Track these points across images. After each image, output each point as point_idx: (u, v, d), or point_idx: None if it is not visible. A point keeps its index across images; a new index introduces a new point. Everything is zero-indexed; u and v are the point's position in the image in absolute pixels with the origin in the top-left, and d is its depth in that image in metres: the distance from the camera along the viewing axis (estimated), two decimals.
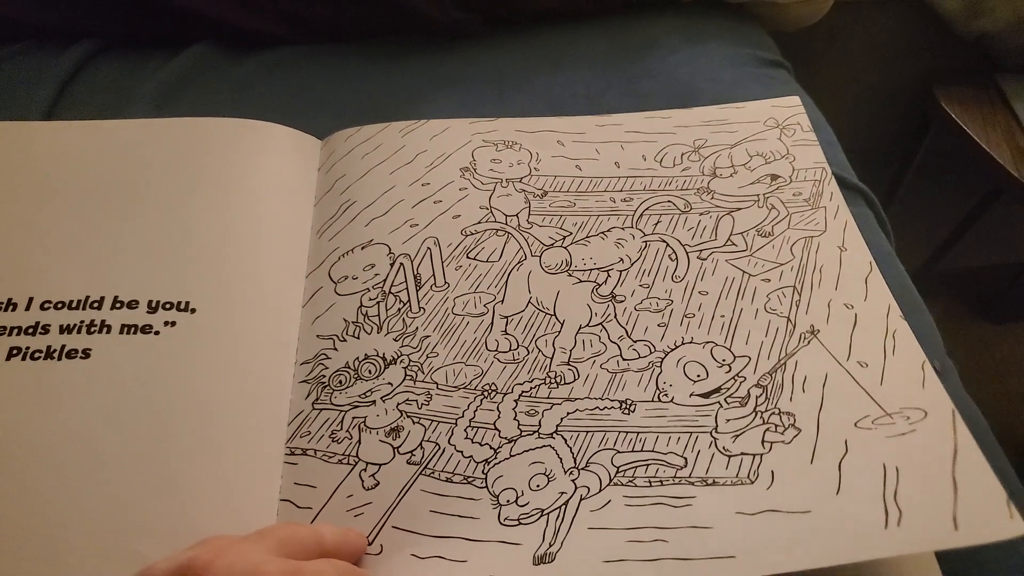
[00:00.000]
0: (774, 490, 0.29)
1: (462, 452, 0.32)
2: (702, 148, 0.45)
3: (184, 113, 0.46)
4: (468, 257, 0.40)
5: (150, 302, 0.35)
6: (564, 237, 0.41)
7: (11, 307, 0.34)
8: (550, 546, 0.29)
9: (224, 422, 0.32)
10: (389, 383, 0.35)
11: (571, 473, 0.31)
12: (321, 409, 0.34)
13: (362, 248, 0.40)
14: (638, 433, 0.32)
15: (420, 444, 0.32)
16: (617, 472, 0.31)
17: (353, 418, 0.34)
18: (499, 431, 0.33)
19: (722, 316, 0.36)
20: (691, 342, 0.35)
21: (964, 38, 0.82)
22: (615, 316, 0.37)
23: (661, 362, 0.35)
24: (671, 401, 0.33)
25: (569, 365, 0.35)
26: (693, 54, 0.58)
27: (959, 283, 1.21)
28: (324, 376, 0.35)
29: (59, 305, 0.34)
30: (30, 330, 0.33)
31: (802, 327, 0.36)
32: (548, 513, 0.30)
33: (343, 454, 0.32)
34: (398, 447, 0.32)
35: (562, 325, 0.37)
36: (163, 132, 0.42)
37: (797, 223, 0.41)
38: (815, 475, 0.30)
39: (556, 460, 0.31)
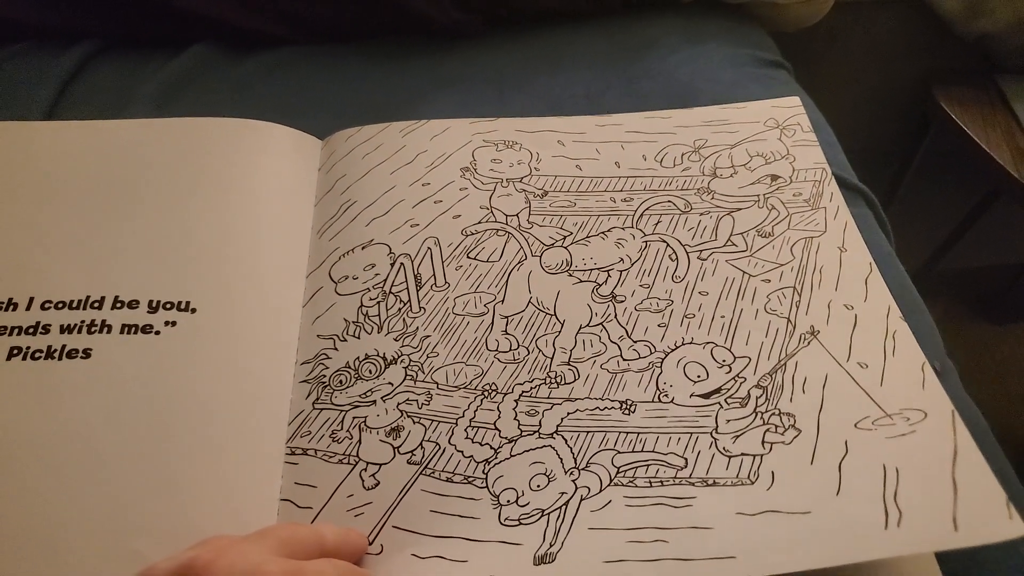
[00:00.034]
0: (774, 491, 0.29)
1: (462, 452, 0.32)
2: (702, 148, 0.45)
3: (184, 113, 0.46)
4: (468, 257, 0.40)
5: (151, 302, 0.35)
6: (564, 237, 0.41)
7: (12, 307, 0.34)
8: (550, 546, 0.29)
9: (225, 422, 0.32)
10: (389, 383, 0.35)
11: (571, 473, 0.31)
12: (321, 409, 0.34)
13: (362, 248, 0.40)
14: (638, 433, 0.32)
15: (420, 444, 0.32)
16: (617, 472, 0.31)
17: (353, 418, 0.34)
18: (499, 431, 0.33)
19: (722, 316, 0.36)
20: (691, 342, 0.36)
21: (964, 39, 0.82)
22: (615, 316, 0.37)
23: (661, 362, 0.35)
24: (671, 402, 0.33)
25: (569, 365, 0.35)
26: (693, 54, 0.58)
27: (959, 283, 1.21)
28: (324, 376, 0.35)
29: (60, 305, 0.34)
30: (31, 330, 0.33)
31: (802, 328, 0.36)
32: (548, 513, 0.30)
33: (343, 454, 0.32)
34: (398, 447, 0.32)
35: (562, 325, 0.37)
36: (163, 132, 0.42)
37: (797, 223, 0.41)
38: (815, 476, 0.30)
39: (556, 460, 0.32)
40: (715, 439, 0.32)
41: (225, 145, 0.42)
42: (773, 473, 0.30)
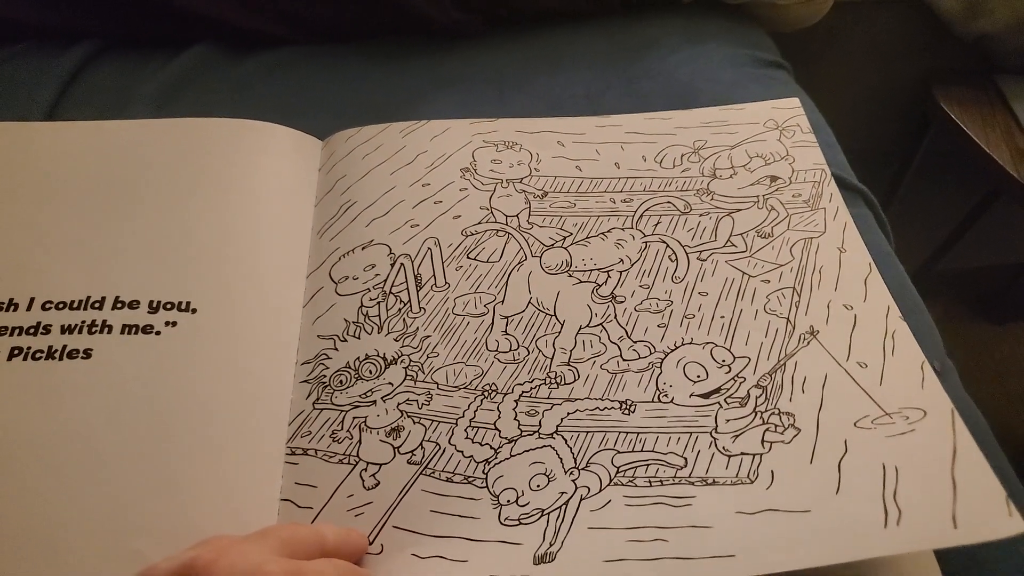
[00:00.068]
0: (774, 490, 0.29)
1: (462, 452, 0.32)
2: (702, 149, 0.45)
3: (184, 113, 0.46)
4: (468, 257, 0.40)
5: (151, 302, 0.35)
6: (564, 238, 0.41)
7: (12, 307, 0.34)
8: (550, 546, 0.29)
9: (225, 422, 0.32)
10: (390, 383, 0.35)
11: (571, 473, 0.31)
12: (322, 409, 0.34)
13: (363, 248, 0.40)
14: (638, 433, 0.32)
15: (420, 444, 0.33)
16: (617, 472, 0.31)
17: (354, 418, 0.34)
18: (499, 431, 0.33)
19: (722, 317, 0.37)
20: (691, 343, 0.36)
21: (963, 39, 0.82)
22: (615, 317, 0.37)
23: (661, 363, 0.35)
24: (671, 401, 0.33)
25: (569, 365, 0.35)
26: (693, 55, 0.58)
27: (959, 283, 1.21)
28: (325, 376, 0.35)
29: (60, 305, 0.34)
30: (31, 330, 0.33)
31: (802, 328, 0.36)
32: (548, 513, 0.30)
33: (344, 454, 0.32)
34: (399, 447, 0.33)
35: (562, 325, 0.37)
36: (163, 132, 0.42)
37: (797, 224, 0.41)
38: (815, 475, 0.30)
39: (556, 460, 0.32)
40: (715, 439, 0.32)
41: (225, 145, 0.42)
42: (773, 472, 0.30)
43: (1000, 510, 0.28)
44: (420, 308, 0.38)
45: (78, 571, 0.28)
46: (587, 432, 0.32)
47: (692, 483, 0.30)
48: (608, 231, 0.41)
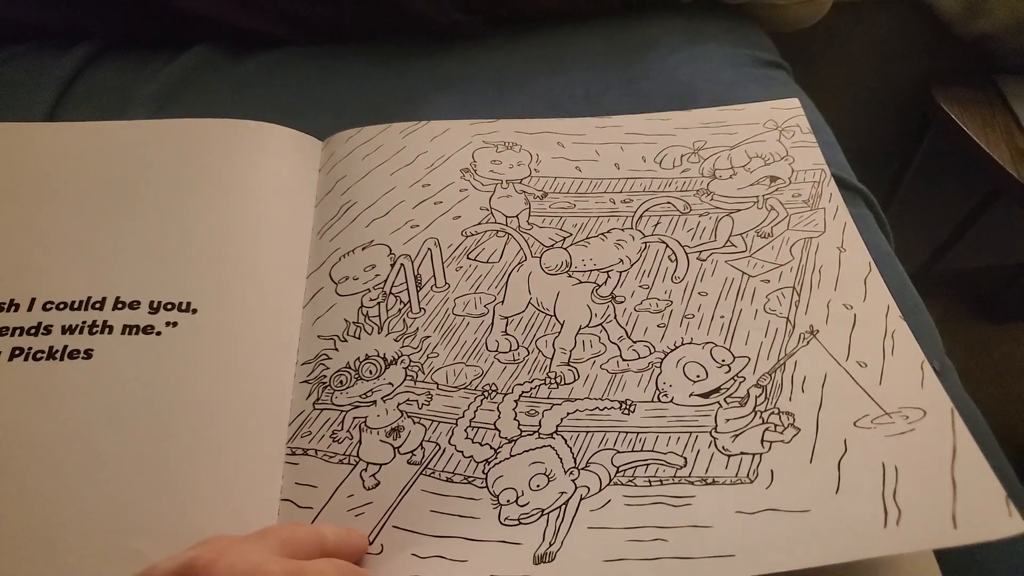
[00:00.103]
0: (774, 489, 0.29)
1: (462, 452, 0.32)
2: (702, 150, 0.45)
3: (185, 114, 0.46)
4: (468, 258, 0.40)
5: (151, 302, 0.35)
6: (564, 238, 0.41)
7: (13, 308, 0.34)
8: (550, 545, 0.29)
9: (225, 422, 0.32)
10: (390, 383, 0.35)
11: (571, 473, 0.31)
12: (322, 409, 0.34)
13: (363, 249, 0.40)
14: (638, 433, 0.32)
15: (420, 444, 0.33)
16: (617, 472, 0.31)
17: (354, 418, 0.34)
18: (499, 431, 0.33)
19: (722, 317, 0.37)
20: (691, 342, 0.36)
21: (963, 39, 0.82)
22: (615, 317, 0.37)
23: (661, 362, 0.35)
24: (671, 401, 0.33)
25: (569, 365, 0.35)
26: (692, 55, 0.58)
27: (958, 283, 1.21)
28: (325, 376, 0.35)
29: (61, 306, 0.34)
30: (32, 331, 0.33)
31: (801, 327, 0.36)
32: (548, 513, 0.30)
33: (344, 454, 0.32)
34: (399, 447, 0.33)
35: (562, 326, 0.37)
36: (164, 133, 0.42)
37: (796, 224, 0.41)
38: (814, 474, 0.30)
39: (556, 460, 0.32)
40: (714, 438, 0.32)
41: (225, 146, 0.42)
42: (772, 472, 0.30)
43: (1000, 510, 0.28)
44: (420, 308, 0.38)
45: (78, 571, 0.28)
46: (587, 432, 0.32)
47: (692, 483, 0.30)
48: (608, 231, 0.41)
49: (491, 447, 0.32)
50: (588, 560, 0.28)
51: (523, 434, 0.33)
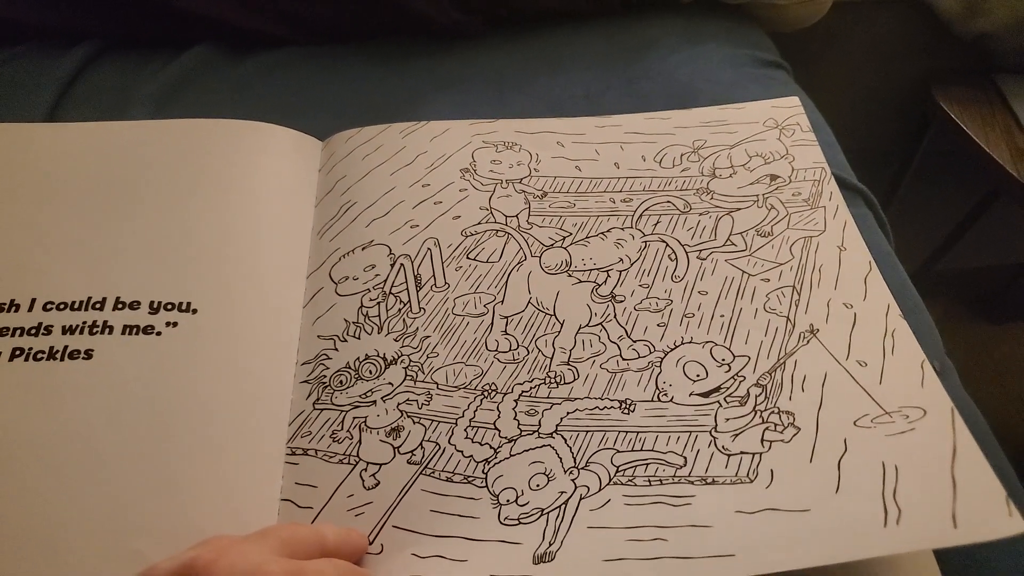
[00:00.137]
0: (773, 489, 0.29)
1: (462, 452, 0.32)
2: (701, 149, 0.45)
3: (185, 114, 0.46)
4: (468, 258, 0.40)
5: (152, 303, 0.35)
6: (564, 238, 0.41)
7: (14, 308, 0.34)
8: (550, 545, 0.29)
9: (225, 422, 0.32)
10: (390, 383, 0.35)
11: (571, 472, 0.31)
12: (322, 409, 0.34)
13: (363, 249, 0.40)
14: (638, 433, 0.32)
15: (420, 444, 0.33)
16: (617, 471, 0.31)
17: (354, 418, 0.34)
18: (499, 431, 0.33)
19: (722, 316, 0.37)
20: (691, 342, 0.36)
21: (963, 38, 0.82)
22: (615, 316, 0.37)
23: (661, 362, 0.35)
24: (671, 401, 0.33)
25: (569, 365, 0.35)
26: (692, 55, 0.58)
27: (958, 283, 1.21)
28: (325, 376, 0.35)
29: (61, 306, 0.34)
30: (33, 331, 0.33)
31: (801, 326, 0.36)
32: (548, 512, 0.30)
33: (344, 454, 0.32)
34: (398, 447, 0.33)
35: (562, 325, 0.37)
36: (164, 133, 0.42)
37: (796, 223, 0.41)
38: (814, 474, 0.30)
39: (556, 460, 0.32)
40: (714, 438, 0.32)
41: (225, 146, 0.42)
42: (772, 471, 0.30)
43: (1000, 510, 0.28)
44: (420, 308, 0.38)
45: (78, 571, 0.28)
46: (587, 431, 0.32)
47: (692, 482, 0.30)
48: (608, 231, 0.41)
49: (491, 447, 0.32)
50: (588, 560, 0.28)
51: (523, 434, 0.33)
